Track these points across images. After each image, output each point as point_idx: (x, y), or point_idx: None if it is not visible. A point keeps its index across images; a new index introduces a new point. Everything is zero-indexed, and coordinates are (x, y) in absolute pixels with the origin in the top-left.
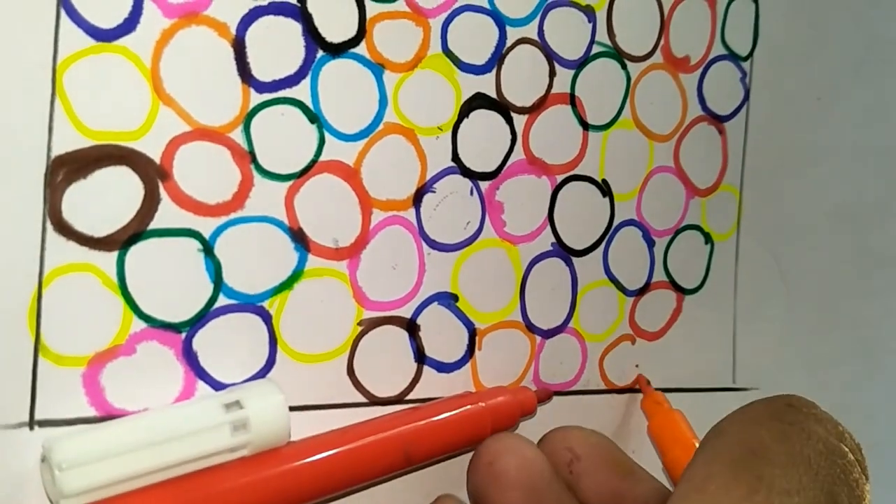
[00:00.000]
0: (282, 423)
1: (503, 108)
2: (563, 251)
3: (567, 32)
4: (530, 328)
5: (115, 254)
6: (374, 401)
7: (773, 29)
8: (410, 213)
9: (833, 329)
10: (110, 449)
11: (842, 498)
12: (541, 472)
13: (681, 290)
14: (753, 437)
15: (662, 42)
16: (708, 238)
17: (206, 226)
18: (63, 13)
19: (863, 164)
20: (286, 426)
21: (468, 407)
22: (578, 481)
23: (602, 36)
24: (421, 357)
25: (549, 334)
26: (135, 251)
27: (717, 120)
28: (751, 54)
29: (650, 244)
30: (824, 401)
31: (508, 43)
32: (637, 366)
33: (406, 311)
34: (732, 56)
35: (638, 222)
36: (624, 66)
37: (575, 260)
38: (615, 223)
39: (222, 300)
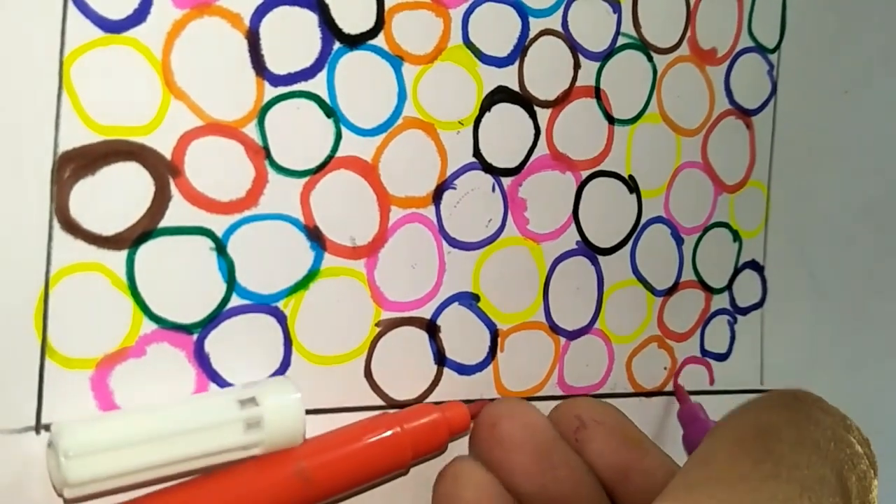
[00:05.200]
0: (297, 423)
1: (526, 101)
2: (589, 250)
3: (591, 23)
4: (554, 329)
5: (124, 253)
6: (393, 404)
7: (800, 21)
8: (430, 211)
9: (862, 329)
10: (119, 440)
11: (851, 483)
12: (545, 433)
13: (709, 290)
14: (763, 420)
15: (689, 34)
16: (736, 236)
17: (218, 224)
18: (70, 3)
19: (891, 158)
20: (301, 427)
21: (387, 433)
22: (584, 448)
23: (627, 27)
24: (441, 359)
25: (573, 335)
26: (145, 250)
27: (745, 114)
28: (778, 46)
29: (679, 242)
30: (854, 401)
31: (531, 34)
32: (665, 368)
33: (426, 312)
34: (760, 48)
35: (666, 219)
36: (650, 59)
37: (601, 259)
38: (643, 220)
39: (235, 300)
